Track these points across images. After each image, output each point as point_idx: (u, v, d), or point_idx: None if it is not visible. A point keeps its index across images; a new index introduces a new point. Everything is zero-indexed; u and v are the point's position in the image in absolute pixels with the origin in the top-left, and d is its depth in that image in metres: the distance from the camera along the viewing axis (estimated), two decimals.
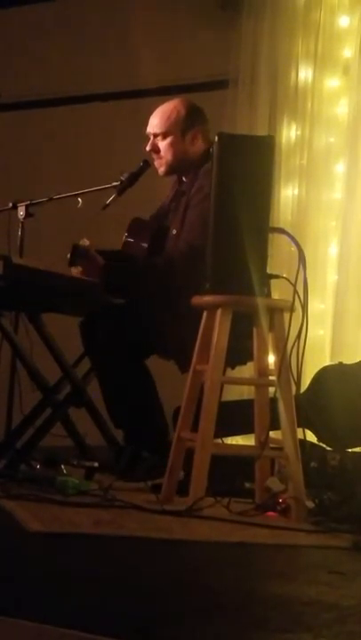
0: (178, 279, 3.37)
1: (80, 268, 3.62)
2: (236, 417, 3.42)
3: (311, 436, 3.45)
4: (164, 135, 3.65)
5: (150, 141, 3.68)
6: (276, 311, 3.03)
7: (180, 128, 3.63)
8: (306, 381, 3.66)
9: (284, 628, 1.61)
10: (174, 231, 3.61)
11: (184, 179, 3.68)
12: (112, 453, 3.79)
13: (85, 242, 3.60)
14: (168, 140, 3.64)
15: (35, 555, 2.20)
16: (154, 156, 3.69)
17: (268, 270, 3.03)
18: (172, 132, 3.64)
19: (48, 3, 6.03)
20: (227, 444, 3.47)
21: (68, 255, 3.59)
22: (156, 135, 3.67)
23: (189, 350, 3.09)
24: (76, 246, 3.59)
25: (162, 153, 3.66)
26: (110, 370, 3.59)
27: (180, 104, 3.68)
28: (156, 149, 3.67)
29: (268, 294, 3.06)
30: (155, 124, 3.67)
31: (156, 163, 3.69)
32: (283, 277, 3.14)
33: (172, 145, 3.64)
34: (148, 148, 3.69)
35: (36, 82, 6.05)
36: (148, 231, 3.71)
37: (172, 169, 3.67)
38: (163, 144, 3.65)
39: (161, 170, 3.69)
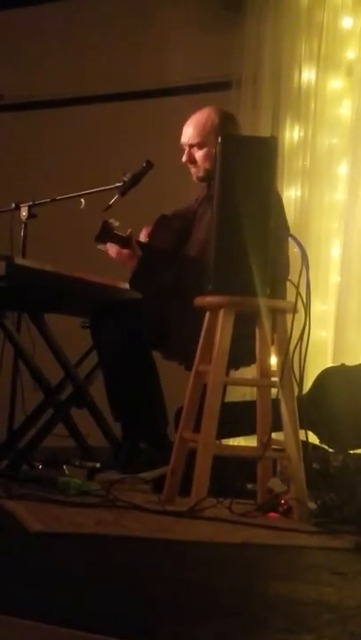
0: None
1: (106, 247, 3.60)
2: (238, 418, 3.42)
3: (313, 438, 3.45)
4: (200, 145, 3.64)
5: (186, 152, 3.67)
6: (278, 312, 3.03)
7: (216, 137, 3.60)
8: (308, 383, 3.66)
9: (286, 628, 1.61)
10: (199, 235, 3.61)
11: (211, 182, 3.66)
12: (113, 453, 3.80)
13: (115, 222, 3.59)
14: (205, 150, 3.63)
15: (36, 555, 2.20)
16: (190, 165, 3.68)
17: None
18: (209, 143, 3.61)
19: (51, 4, 6.04)
20: (229, 445, 3.47)
21: (99, 232, 3.57)
22: (192, 145, 3.66)
23: (193, 350, 3.10)
24: (108, 224, 3.58)
25: (199, 163, 3.66)
26: (116, 360, 3.59)
27: (213, 113, 3.67)
28: (192, 160, 3.67)
29: (283, 296, 3.05)
30: (190, 134, 3.66)
31: (193, 171, 3.69)
32: (286, 279, 3.14)
33: (208, 154, 3.62)
34: (184, 159, 3.67)
35: (39, 83, 6.06)
36: (171, 233, 3.70)
37: (209, 177, 3.65)
38: (199, 154, 3.65)
39: (198, 177, 3.69)
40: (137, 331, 3.52)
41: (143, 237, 3.73)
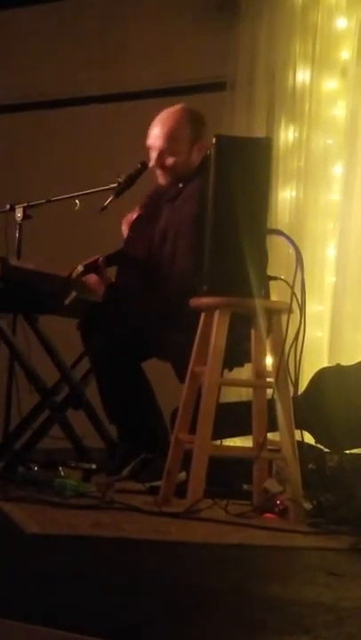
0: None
1: (72, 297, 3.65)
2: (233, 419, 3.42)
3: (309, 438, 3.45)
4: (172, 153, 3.57)
5: (155, 158, 3.59)
6: (274, 313, 3.03)
7: (187, 145, 3.58)
8: (304, 383, 3.66)
9: (282, 629, 1.61)
10: (164, 237, 3.60)
11: (180, 184, 3.66)
12: (109, 455, 3.80)
13: (80, 269, 3.58)
14: (176, 157, 3.58)
15: (32, 557, 2.20)
16: (158, 170, 3.62)
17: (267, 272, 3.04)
18: (180, 151, 3.57)
19: (47, 4, 6.04)
20: (225, 446, 3.47)
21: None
22: (161, 151, 3.58)
23: (187, 356, 3.09)
24: (69, 278, 3.60)
25: (169, 168, 3.59)
26: (108, 370, 3.59)
27: (183, 118, 3.59)
28: (162, 165, 3.60)
29: (267, 296, 3.06)
30: (158, 136, 3.58)
31: (160, 175, 3.63)
32: (280, 279, 3.15)
33: (180, 161, 3.58)
34: (152, 165, 3.61)
35: (34, 84, 6.06)
36: (145, 235, 3.70)
37: (176, 180, 3.63)
38: (170, 160, 3.58)
39: (166, 182, 3.63)
40: (126, 337, 3.51)
41: (126, 226, 3.72)
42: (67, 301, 3.65)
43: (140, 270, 3.59)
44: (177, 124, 3.59)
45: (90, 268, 3.58)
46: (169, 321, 3.39)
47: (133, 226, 3.72)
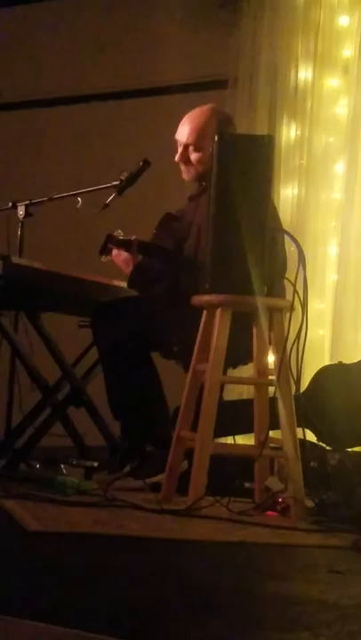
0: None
1: (110, 258, 3.63)
2: (235, 417, 3.42)
3: (311, 436, 3.45)
4: (197, 148, 3.59)
5: (181, 151, 3.63)
6: (275, 311, 3.03)
7: (211, 138, 3.59)
8: (305, 381, 3.66)
9: (284, 627, 1.61)
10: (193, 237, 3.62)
11: (203, 182, 3.66)
12: (110, 452, 3.80)
13: (120, 233, 3.61)
14: (201, 153, 3.59)
15: (34, 554, 2.20)
16: (182, 165, 3.64)
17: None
18: (207, 147, 3.53)
19: (48, 2, 6.04)
20: (226, 444, 3.47)
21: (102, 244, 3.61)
22: (187, 146, 3.61)
23: (193, 349, 3.09)
24: (111, 236, 3.59)
25: (193, 164, 3.61)
26: (118, 364, 3.58)
27: (214, 115, 3.61)
28: (186, 160, 3.62)
29: (283, 294, 3.05)
30: (187, 133, 3.61)
31: (184, 171, 3.65)
32: (283, 277, 3.14)
33: (204, 158, 3.57)
34: (177, 159, 3.64)
35: (36, 81, 6.06)
36: (171, 234, 3.70)
37: (201, 178, 3.63)
38: (195, 156, 3.60)
39: (189, 177, 3.65)
40: (137, 330, 3.51)
41: None
42: (103, 259, 3.65)
43: (168, 260, 3.59)
44: (205, 122, 3.61)
45: (124, 243, 3.58)
46: (185, 312, 3.38)
47: (159, 224, 3.72)
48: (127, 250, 3.60)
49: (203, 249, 3.44)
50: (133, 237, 3.61)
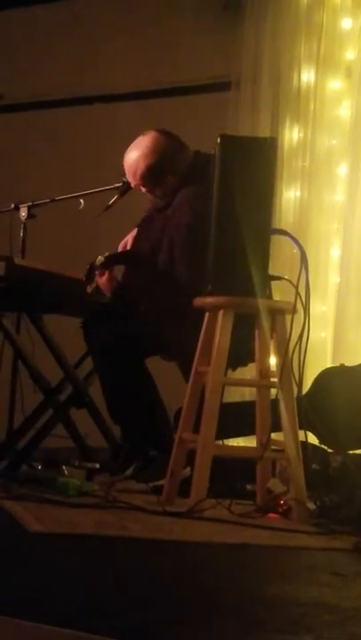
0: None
1: (94, 285, 3.65)
2: (237, 419, 3.42)
3: (313, 438, 3.45)
4: (138, 187, 3.68)
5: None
6: (277, 313, 3.03)
7: (148, 183, 3.64)
8: (307, 383, 3.66)
9: (285, 629, 1.61)
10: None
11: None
12: (112, 454, 3.79)
13: (101, 259, 3.61)
14: (144, 189, 3.67)
15: (35, 555, 2.20)
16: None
17: (270, 272, 3.03)
18: (144, 185, 3.65)
19: (50, 5, 6.04)
20: (228, 446, 3.47)
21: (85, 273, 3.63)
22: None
23: (192, 353, 3.09)
24: (93, 264, 3.61)
25: (150, 196, 3.69)
26: (111, 368, 3.59)
27: (141, 160, 3.61)
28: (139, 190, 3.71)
29: (270, 295, 3.06)
30: (126, 173, 3.68)
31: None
32: (285, 279, 3.15)
33: (148, 192, 3.67)
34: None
35: (39, 83, 6.06)
36: (148, 236, 3.71)
37: (164, 202, 3.65)
38: (143, 190, 3.68)
39: (158, 203, 3.69)
40: (129, 334, 3.52)
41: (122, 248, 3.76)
42: (89, 289, 3.66)
43: (149, 270, 3.60)
44: (132, 162, 3.64)
45: (104, 265, 3.60)
46: (175, 321, 3.39)
47: (140, 226, 3.73)
48: (110, 268, 3.61)
49: (178, 261, 3.46)
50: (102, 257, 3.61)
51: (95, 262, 3.61)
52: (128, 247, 3.74)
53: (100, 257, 3.60)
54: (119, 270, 3.69)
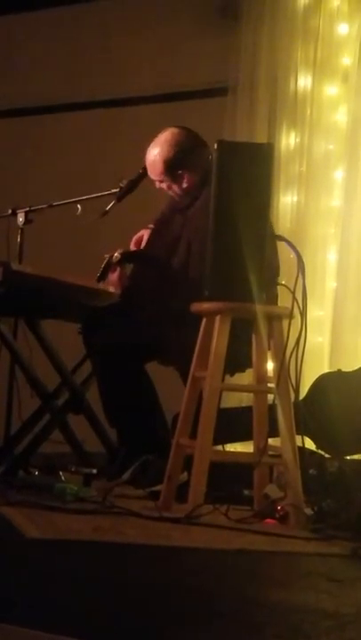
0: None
1: (106, 282, 3.68)
2: (234, 424, 3.42)
3: (310, 444, 3.45)
4: (159, 182, 3.69)
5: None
6: (275, 318, 3.03)
7: (167, 176, 3.66)
8: (305, 388, 3.66)
9: (283, 635, 1.61)
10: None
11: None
12: (109, 459, 3.79)
13: (117, 256, 3.63)
14: (164, 184, 3.68)
15: (32, 561, 2.20)
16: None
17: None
18: (163, 180, 3.67)
19: (48, 9, 6.04)
20: (225, 451, 3.47)
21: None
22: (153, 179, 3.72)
23: (191, 358, 3.10)
24: (110, 260, 3.63)
25: (169, 193, 3.71)
26: (110, 371, 3.59)
27: (159, 154, 3.65)
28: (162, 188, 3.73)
29: (275, 301, 3.05)
30: (148, 170, 3.71)
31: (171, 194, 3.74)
32: (282, 284, 3.15)
33: (168, 188, 3.69)
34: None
35: (36, 88, 6.06)
36: (163, 241, 3.72)
37: (179, 200, 3.69)
38: (162, 186, 3.70)
39: (178, 199, 3.71)
40: (129, 338, 3.52)
41: (134, 244, 3.75)
42: (101, 285, 3.67)
43: (158, 276, 3.61)
44: (154, 159, 3.67)
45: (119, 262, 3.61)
46: (179, 325, 3.39)
47: (153, 231, 3.74)
48: (123, 266, 3.64)
49: (193, 264, 3.46)
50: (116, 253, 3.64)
51: (112, 258, 3.62)
52: (143, 241, 3.75)
53: (116, 254, 3.62)
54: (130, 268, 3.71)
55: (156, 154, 3.67)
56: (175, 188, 3.67)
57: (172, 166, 3.63)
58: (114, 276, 3.65)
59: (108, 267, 3.63)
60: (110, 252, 3.67)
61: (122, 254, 3.62)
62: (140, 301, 3.64)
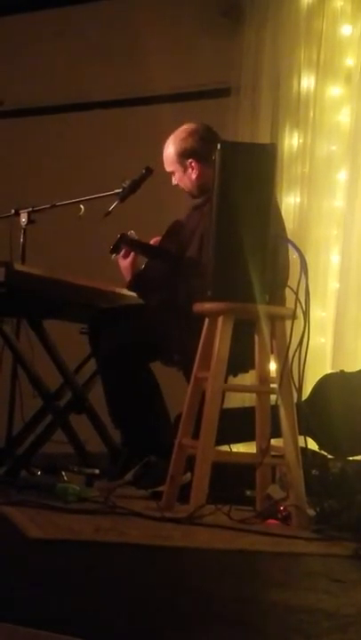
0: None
1: (118, 257, 3.68)
2: (237, 424, 3.42)
3: (312, 444, 3.45)
4: (172, 172, 3.74)
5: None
6: (277, 319, 3.03)
7: (178, 164, 3.70)
8: (307, 389, 3.66)
9: (284, 635, 1.61)
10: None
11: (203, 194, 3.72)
12: (111, 460, 3.79)
13: (133, 233, 3.67)
14: (177, 175, 3.72)
15: (34, 561, 2.20)
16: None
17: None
18: (175, 169, 3.71)
19: (50, 10, 6.05)
20: (228, 452, 3.46)
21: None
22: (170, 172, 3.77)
23: (194, 357, 3.10)
24: (124, 235, 3.65)
25: (181, 186, 3.75)
26: (116, 371, 3.58)
27: (173, 144, 3.71)
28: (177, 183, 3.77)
29: (283, 302, 3.05)
30: (165, 162, 3.76)
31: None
32: (284, 287, 3.14)
33: (180, 179, 3.72)
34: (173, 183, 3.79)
35: (39, 89, 6.07)
36: (177, 239, 3.73)
37: (193, 195, 3.72)
38: (175, 180, 3.74)
39: (190, 195, 3.75)
40: (136, 338, 3.52)
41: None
42: (113, 257, 3.70)
43: (169, 269, 3.62)
44: (166, 149, 3.73)
45: (135, 244, 3.64)
46: (183, 322, 3.38)
47: (168, 230, 3.75)
48: (136, 252, 3.65)
49: (205, 257, 3.45)
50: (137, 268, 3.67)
51: (127, 233, 3.64)
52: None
53: (132, 231, 3.66)
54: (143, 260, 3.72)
55: (170, 144, 3.72)
56: (186, 180, 3.68)
57: (182, 154, 3.67)
58: (126, 262, 3.66)
59: (121, 241, 3.64)
60: (104, 251, 3.68)
61: (135, 240, 3.64)
62: (147, 291, 3.64)
